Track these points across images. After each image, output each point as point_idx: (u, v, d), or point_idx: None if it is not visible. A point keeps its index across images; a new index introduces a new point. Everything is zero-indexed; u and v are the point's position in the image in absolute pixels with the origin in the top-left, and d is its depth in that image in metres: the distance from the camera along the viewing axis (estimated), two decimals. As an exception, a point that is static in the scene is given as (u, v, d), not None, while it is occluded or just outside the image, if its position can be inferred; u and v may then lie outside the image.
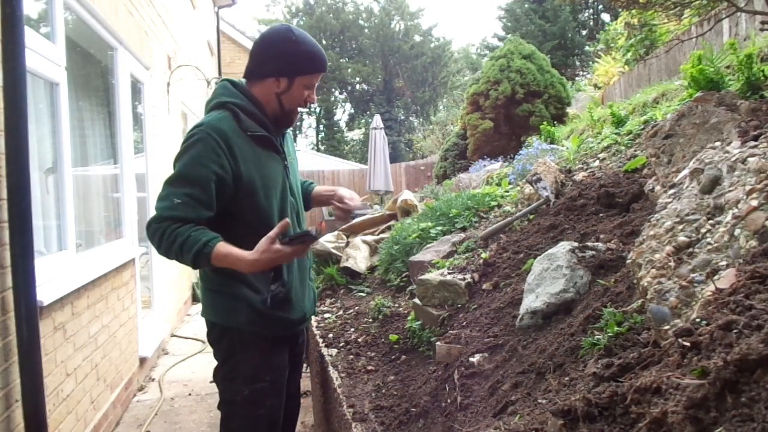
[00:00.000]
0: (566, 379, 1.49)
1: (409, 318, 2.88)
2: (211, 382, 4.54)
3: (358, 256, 4.34)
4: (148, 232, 1.89)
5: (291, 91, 2.00)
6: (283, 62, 1.97)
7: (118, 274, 4.06)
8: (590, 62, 17.35)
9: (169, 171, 1.92)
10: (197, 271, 2.32)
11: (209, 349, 2.17)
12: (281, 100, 2.01)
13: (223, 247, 1.80)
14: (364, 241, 4.54)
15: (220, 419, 2.11)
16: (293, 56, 1.97)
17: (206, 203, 1.85)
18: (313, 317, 3.19)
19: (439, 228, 3.84)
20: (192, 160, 1.85)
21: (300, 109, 2.10)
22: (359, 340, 3.05)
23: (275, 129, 2.06)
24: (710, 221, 1.39)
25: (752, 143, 1.53)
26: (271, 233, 1.80)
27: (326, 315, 3.59)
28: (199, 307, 7.74)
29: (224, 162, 1.86)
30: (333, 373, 2.66)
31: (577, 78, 18.99)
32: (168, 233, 1.81)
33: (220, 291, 2.01)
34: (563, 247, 2.15)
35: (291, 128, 2.20)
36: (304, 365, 3.77)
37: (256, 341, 2.02)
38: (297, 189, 2.17)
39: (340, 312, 3.62)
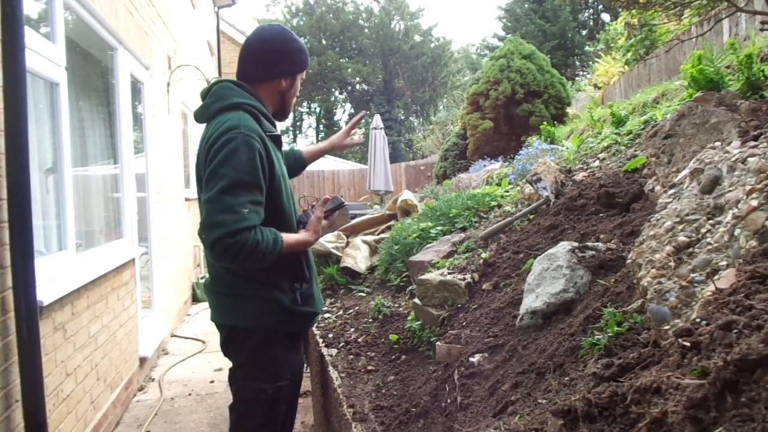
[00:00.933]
0: (566, 379, 1.49)
1: (409, 318, 2.88)
2: (211, 382, 4.58)
3: (358, 256, 4.34)
4: (217, 248, 1.80)
5: (293, 88, 2.11)
6: (290, 62, 2.06)
7: (118, 274, 4.06)
8: (590, 62, 17.37)
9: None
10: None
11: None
12: (284, 97, 2.10)
13: (287, 237, 1.94)
14: (364, 241, 4.54)
15: (233, 419, 2.11)
16: (296, 55, 2.08)
17: (262, 203, 1.89)
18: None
19: (439, 228, 3.84)
20: (244, 165, 1.82)
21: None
22: (359, 340, 3.05)
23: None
24: (710, 221, 1.39)
25: (752, 143, 1.53)
26: (318, 213, 2.08)
27: (326, 315, 3.59)
28: (198, 307, 7.75)
29: (264, 163, 1.89)
30: (333, 373, 2.66)
31: (577, 78, 19.01)
32: (247, 246, 1.80)
33: (244, 295, 2.00)
34: (563, 247, 2.15)
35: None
36: (305, 365, 3.77)
37: (281, 340, 2.04)
38: None
39: (340, 312, 3.62)
